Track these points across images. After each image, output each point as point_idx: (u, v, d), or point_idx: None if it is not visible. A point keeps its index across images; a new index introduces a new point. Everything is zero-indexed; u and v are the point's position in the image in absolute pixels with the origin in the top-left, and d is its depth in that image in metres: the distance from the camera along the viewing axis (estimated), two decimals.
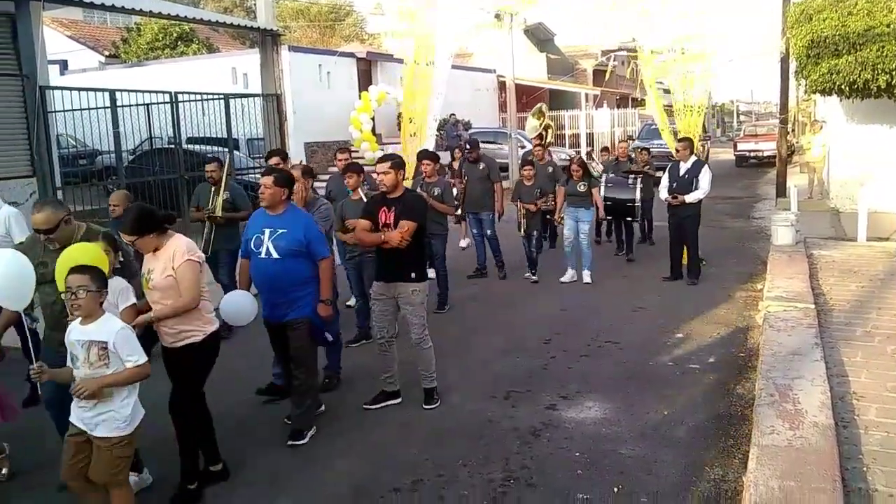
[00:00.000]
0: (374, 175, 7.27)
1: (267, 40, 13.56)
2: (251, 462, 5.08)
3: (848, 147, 14.04)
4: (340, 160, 8.63)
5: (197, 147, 13.56)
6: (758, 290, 9.08)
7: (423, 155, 9.14)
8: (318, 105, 22.10)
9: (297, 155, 19.01)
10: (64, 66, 25.90)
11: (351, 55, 25.47)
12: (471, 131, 25.13)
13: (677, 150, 9.93)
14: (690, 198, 9.54)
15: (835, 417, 4.82)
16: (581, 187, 10.00)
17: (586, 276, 9.91)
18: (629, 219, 11.33)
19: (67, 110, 10.73)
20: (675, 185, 9.70)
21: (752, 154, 28.53)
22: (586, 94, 39.71)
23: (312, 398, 5.53)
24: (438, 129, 20.83)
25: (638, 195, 11.01)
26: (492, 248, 10.42)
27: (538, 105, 17.66)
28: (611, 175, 11.76)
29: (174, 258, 4.39)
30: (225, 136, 12.74)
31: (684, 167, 9.70)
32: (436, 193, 8.70)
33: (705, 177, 9.60)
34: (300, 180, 6.17)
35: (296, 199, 5.91)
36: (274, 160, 7.52)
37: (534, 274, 10.22)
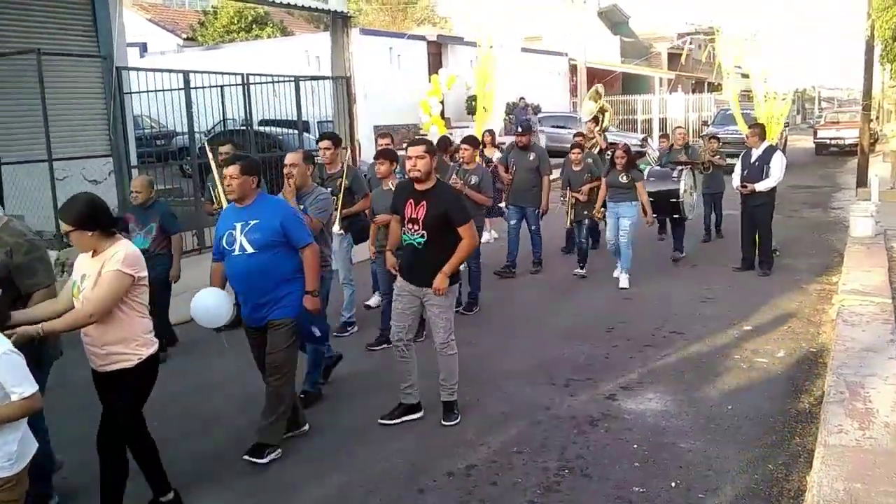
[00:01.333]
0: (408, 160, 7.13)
1: (338, 22, 13.66)
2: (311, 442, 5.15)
3: None
4: (381, 145, 8.06)
5: (268, 129, 13.76)
6: (833, 283, 8.77)
7: (463, 140, 8.59)
8: (388, 88, 22.20)
9: (366, 137, 19.15)
10: (143, 48, 26.57)
11: (421, 38, 25.50)
12: (540, 115, 24.94)
13: (748, 137, 9.62)
14: (761, 186, 9.23)
15: None
16: (623, 178, 9.01)
17: (623, 280, 9.07)
18: (675, 216, 10.27)
19: (143, 91, 11.00)
20: (746, 172, 9.40)
21: (833, 142, 27.57)
22: (660, 79, 38.99)
23: (283, 412, 4.91)
24: (507, 113, 20.75)
25: (682, 188, 9.94)
26: (533, 241, 9.87)
27: (595, 86, 17.19)
28: (655, 167, 10.98)
29: (107, 265, 3.75)
30: (295, 118, 12.88)
31: (755, 154, 9.40)
32: (472, 182, 8.01)
33: (777, 163, 9.26)
34: (299, 165, 5.65)
35: (291, 185, 5.64)
36: (324, 143, 7.19)
37: (582, 268, 9.55)
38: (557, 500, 4.28)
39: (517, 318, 7.92)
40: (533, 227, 9.78)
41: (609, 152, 10.33)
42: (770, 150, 9.41)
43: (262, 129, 13.42)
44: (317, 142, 7.74)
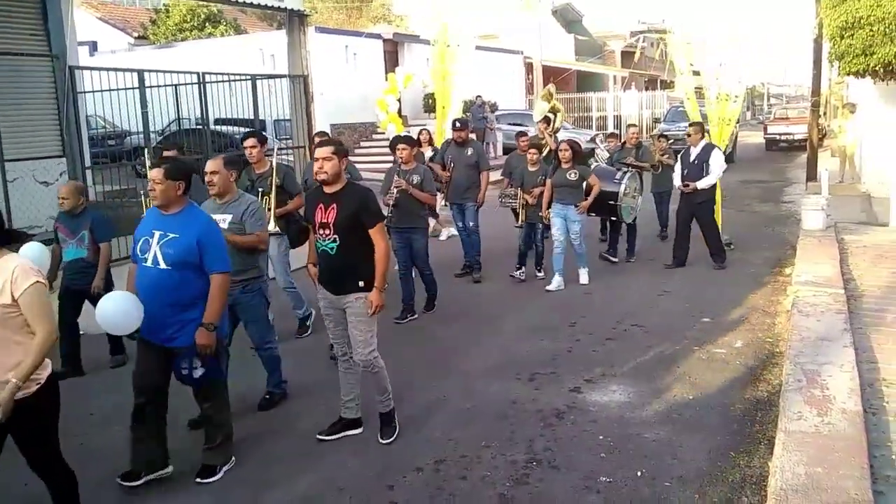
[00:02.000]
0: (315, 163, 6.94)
1: (294, 21, 13.54)
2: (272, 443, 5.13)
3: (881, 131, 13.78)
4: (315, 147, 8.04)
5: (224, 128, 13.60)
6: (786, 274, 8.97)
7: (398, 139, 8.18)
8: (345, 86, 22.10)
9: None
10: (94, 47, 26.06)
11: (378, 36, 25.42)
12: (497, 113, 25.03)
13: (688, 135, 9.66)
14: (702, 184, 9.31)
15: (863, 404, 4.75)
16: (571, 175, 8.70)
17: (583, 276, 9.00)
18: (612, 218, 10.05)
19: (97, 91, 10.79)
20: (686, 171, 9.48)
21: (783, 137, 28.13)
22: (615, 76, 39.42)
23: (226, 435, 4.72)
24: (464, 111, 20.77)
25: (622, 190, 9.65)
26: (471, 241, 9.50)
27: (547, 86, 17.12)
28: (601, 165, 10.92)
29: (15, 281, 3.39)
30: (252, 117, 12.76)
31: (694, 152, 9.48)
32: (415, 181, 7.64)
33: (716, 161, 9.36)
34: (220, 172, 5.30)
35: (214, 192, 5.36)
36: (249, 142, 6.99)
37: (539, 270, 9.35)
38: (527, 493, 4.33)
39: (479, 315, 7.95)
40: (471, 223, 9.42)
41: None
42: (708, 148, 9.50)
43: (218, 128, 13.25)
44: (241, 140, 7.25)
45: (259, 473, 4.67)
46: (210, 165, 5.36)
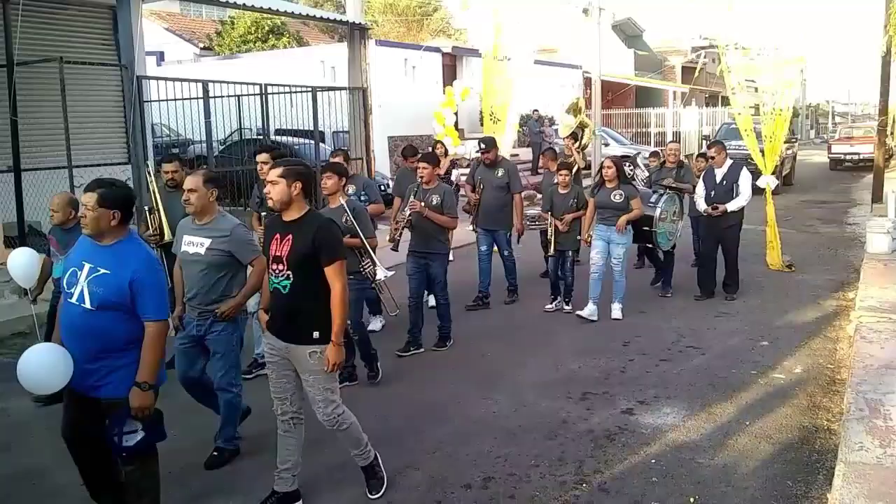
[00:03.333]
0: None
1: (355, 34, 13.76)
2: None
3: None
4: (335, 157, 7.55)
5: (285, 138, 13.85)
6: (849, 299, 8.73)
7: (420, 158, 7.56)
8: (403, 99, 22.27)
9: (381, 148, 19.20)
10: (161, 57, 26.77)
11: (436, 50, 25.59)
12: (554, 127, 24.95)
13: (710, 157, 9.10)
14: (732, 206, 8.76)
15: None
16: (616, 197, 8.04)
17: (616, 311, 8.23)
18: (648, 245, 9.25)
19: (162, 100, 11.10)
20: (713, 193, 8.90)
21: (848, 157, 27.49)
22: (674, 92, 38.94)
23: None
24: (520, 125, 20.78)
25: (658, 214, 8.75)
26: (506, 268, 8.94)
27: (574, 98, 16.34)
28: (638, 187, 9.77)
29: None
30: (311, 128, 12.96)
31: (720, 173, 8.91)
32: (434, 202, 7.00)
33: (745, 181, 8.80)
34: (198, 190, 4.77)
35: (191, 210, 4.85)
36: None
37: (567, 303, 8.57)
38: None
39: (529, 333, 7.88)
40: (505, 253, 8.85)
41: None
42: (736, 168, 8.92)
43: (278, 138, 13.50)
44: (253, 155, 6.96)
45: (302, 484, 4.69)
46: (188, 182, 4.85)
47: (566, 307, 8.56)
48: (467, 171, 10.31)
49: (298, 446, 4.44)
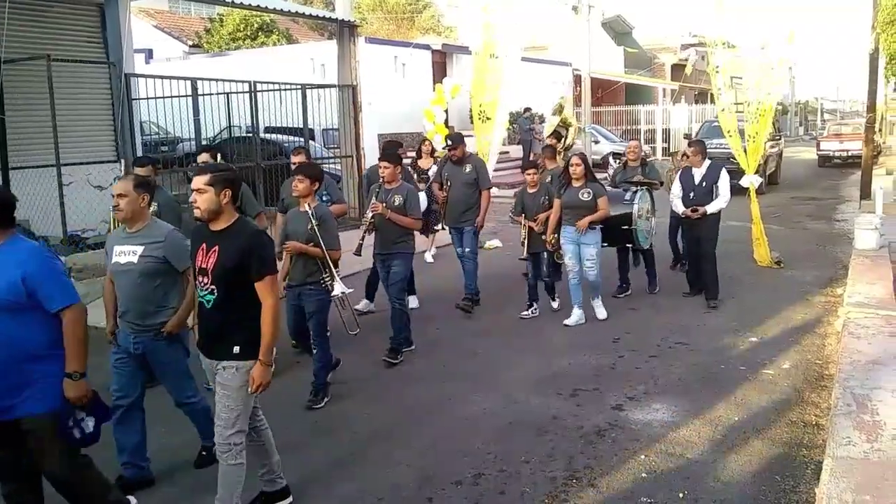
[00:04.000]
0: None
1: (344, 31, 13.73)
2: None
3: None
4: (295, 162, 7.11)
5: (274, 136, 13.81)
6: (838, 295, 8.77)
7: (381, 156, 7.16)
8: (393, 96, 22.27)
9: (371, 146, 19.14)
10: (149, 55, 26.64)
11: (426, 47, 25.59)
12: (544, 124, 24.98)
13: (685, 156, 8.91)
14: (713, 207, 8.45)
15: None
16: (584, 195, 7.70)
17: (599, 311, 8.06)
18: (627, 245, 8.86)
19: (151, 98, 11.05)
20: (691, 195, 8.58)
21: (836, 154, 27.62)
22: (664, 89, 39.06)
23: None
24: (511, 123, 20.77)
25: (636, 212, 8.45)
26: (464, 270, 8.54)
27: (559, 98, 15.98)
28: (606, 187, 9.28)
29: None
30: (301, 125, 12.93)
31: (699, 173, 8.58)
32: (396, 203, 6.71)
33: (725, 182, 8.52)
34: (129, 195, 4.43)
35: (120, 217, 4.54)
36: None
37: (553, 300, 8.43)
38: None
39: (519, 332, 7.88)
40: (467, 250, 8.48)
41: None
42: (715, 169, 8.61)
43: (267, 136, 13.46)
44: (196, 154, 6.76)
45: (295, 484, 4.66)
46: (118, 187, 4.52)
47: (554, 304, 8.42)
48: None
49: (270, 448, 4.32)
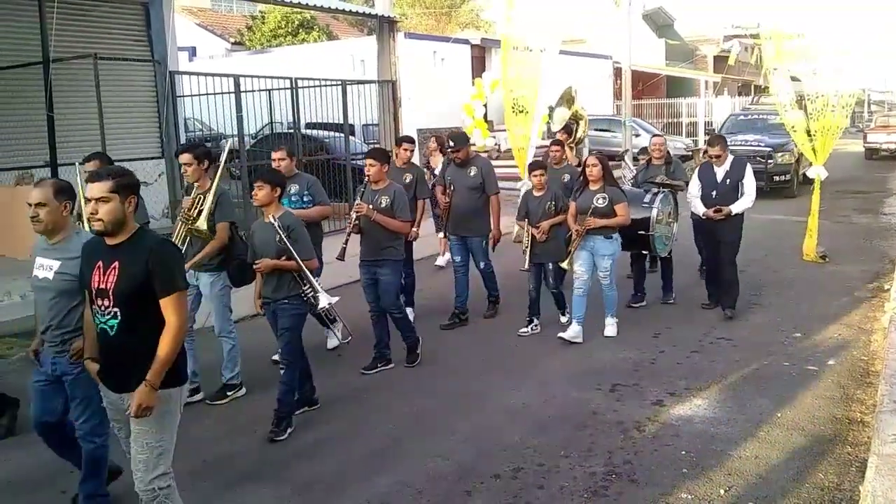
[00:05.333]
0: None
1: (384, 27, 13.77)
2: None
3: None
4: (275, 159, 6.70)
5: (314, 132, 13.93)
6: (884, 290, 8.60)
7: (367, 153, 6.67)
8: (432, 91, 22.28)
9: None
10: (192, 52, 27.02)
11: (465, 42, 25.54)
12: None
13: (705, 153, 8.08)
14: (738, 207, 7.71)
15: None
16: (600, 200, 7.04)
17: (610, 328, 7.32)
18: (644, 252, 8.31)
19: (195, 95, 11.21)
20: (714, 193, 7.79)
21: (884, 146, 27.01)
22: (706, 81, 38.55)
23: None
24: (549, 117, 20.69)
25: (654, 216, 7.86)
26: (485, 279, 8.07)
27: (567, 88, 13.75)
28: (624, 188, 8.42)
29: None
30: (341, 121, 13.02)
31: (721, 170, 7.81)
32: (383, 205, 6.31)
33: (751, 179, 7.80)
34: (49, 202, 3.96)
35: (39, 228, 4.03)
36: (184, 158, 5.81)
37: (563, 314, 7.70)
38: None
39: (559, 326, 7.80)
40: (482, 264, 7.92)
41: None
42: (740, 165, 7.85)
43: (308, 132, 13.57)
44: (175, 155, 6.12)
45: (336, 474, 4.75)
46: (35, 195, 4.01)
47: (563, 318, 7.67)
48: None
49: None
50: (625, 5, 23.61)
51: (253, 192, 5.30)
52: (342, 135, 13.12)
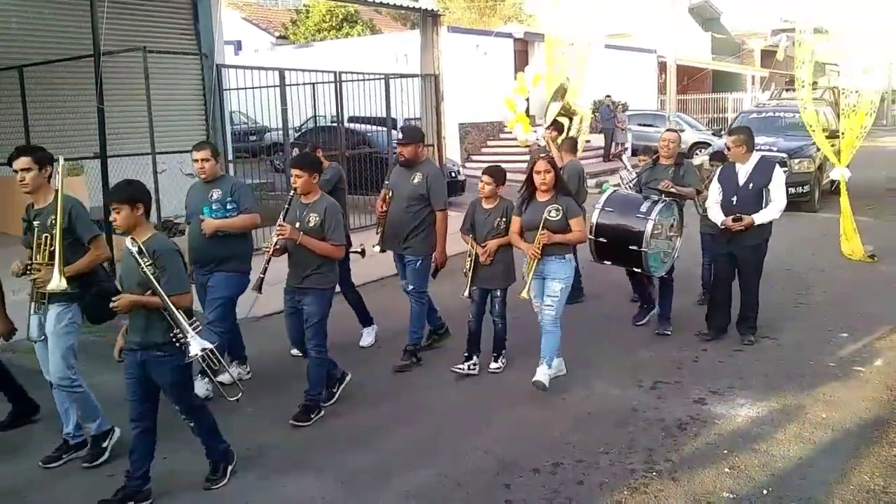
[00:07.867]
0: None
1: (427, 21, 13.80)
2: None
3: None
4: (197, 160, 5.72)
5: (357, 126, 14.03)
6: None
7: (292, 162, 5.65)
8: (474, 85, 22.26)
9: (452, 135, 19.23)
10: (238, 46, 27.33)
11: (508, 35, 25.47)
12: (627, 113, 24.60)
13: (728, 148, 6.87)
14: (762, 217, 6.55)
15: None
16: (553, 213, 5.69)
17: (540, 373, 5.70)
18: (636, 270, 6.94)
19: (240, 88, 11.36)
20: (734, 199, 6.65)
21: None
22: (753, 76, 37.95)
23: None
24: (593, 111, 20.53)
25: (649, 230, 6.45)
26: (411, 311, 6.52)
27: (562, 81, 12.36)
28: (620, 191, 7.43)
29: None
30: (384, 115, 13.09)
31: (744, 171, 6.65)
32: (312, 224, 5.32)
33: (779, 184, 6.60)
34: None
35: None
36: (21, 163, 4.64)
37: (497, 360, 6.35)
38: (644, 503, 4.27)
39: (599, 323, 7.78)
40: (410, 287, 6.47)
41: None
42: (766, 166, 6.70)
43: (351, 125, 13.68)
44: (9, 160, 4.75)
45: (379, 465, 4.80)
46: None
47: (494, 365, 6.32)
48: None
49: None
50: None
51: (111, 217, 4.28)
52: (384, 128, 13.20)
